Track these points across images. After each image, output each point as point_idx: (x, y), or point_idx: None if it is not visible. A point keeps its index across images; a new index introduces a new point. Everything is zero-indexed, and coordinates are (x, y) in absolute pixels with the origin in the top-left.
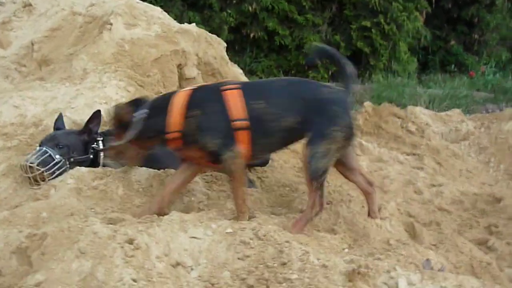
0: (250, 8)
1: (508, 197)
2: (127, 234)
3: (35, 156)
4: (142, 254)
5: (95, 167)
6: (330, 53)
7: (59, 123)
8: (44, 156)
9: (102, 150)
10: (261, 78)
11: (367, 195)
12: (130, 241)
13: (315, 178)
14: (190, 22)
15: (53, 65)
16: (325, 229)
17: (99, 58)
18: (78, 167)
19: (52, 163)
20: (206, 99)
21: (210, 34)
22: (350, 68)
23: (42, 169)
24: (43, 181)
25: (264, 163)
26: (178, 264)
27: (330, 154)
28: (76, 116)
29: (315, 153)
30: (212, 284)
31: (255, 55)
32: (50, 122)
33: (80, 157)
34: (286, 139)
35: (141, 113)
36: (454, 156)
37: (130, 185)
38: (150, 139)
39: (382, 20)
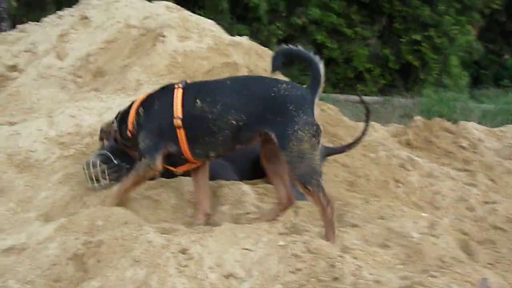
0: (298, 21)
1: None
2: (181, 244)
3: (97, 155)
4: (195, 264)
5: None
6: (297, 53)
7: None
8: (104, 157)
9: None
10: None
11: (279, 206)
12: (184, 251)
13: (307, 182)
14: (238, 35)
15: (107, 76)
16: (377, 244)
17: (152, 70)
18: None
19: (111, 164)
20: (153, 99)
21: (261, 46)
22: (320, 66)
23: (103, 166)
24: (97, 181)
25: None
26: (230, 275)
27: (308, 154)
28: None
29: (291, 159)
30: None
31: (304, 68)
32: None
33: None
34: (234, 139)
35: (114, 123)
36: (508, 173)
37: (183, 195)
38: (127, 144)
39: (433, 34)
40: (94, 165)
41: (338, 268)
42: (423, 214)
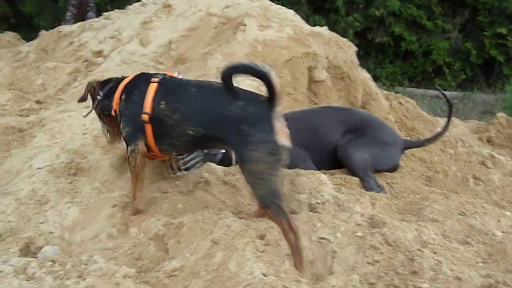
0: (377, 13)
1: None
2: (259, 229)
3: None
4: (272, 250)
5: (226, 163)
6: (247, 69)
7: None
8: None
9: None
10: (384, 84)
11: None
12: (261, 237)
13: (267, 206)
14: (315, 26)
15: (188, 63)
16: (458, 240)
17: (232, 58)
18: (211, 162)
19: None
20: (135, 86)
21: (341, 37)
22: (274, 79)
23: (177, 157)
24: (178, 169)
25: (392, 169)
26: (309, 262)
27: (266, 175)
28: None
29: (249, 180)
30: (341, 287)
31: (380, 61)
32: None
33: (213, 153)
34: (195, 145)
35: (100, 95)
36: None
37: None
38: (108, 117)
39: None
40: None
41: (417, 262)
42: (507, 213)
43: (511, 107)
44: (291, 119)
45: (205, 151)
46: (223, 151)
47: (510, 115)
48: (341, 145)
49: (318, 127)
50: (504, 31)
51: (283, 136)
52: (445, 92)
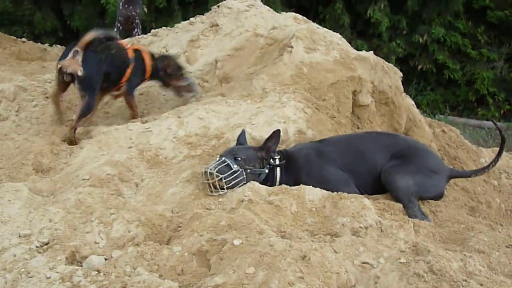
0: (420, 39)
1: None
2: (302, 250)
3: (214, 165)
4: (315, 272)
5: (270, 183)
6: None
7: (241, 139)
8: (222, 165)
9: (278, 165)
10: (425, 111)
11: None
12: (304, 258)
13: None
14: (357, 50)
15: (233, 82)
16: (505, 274)
17: (278, 79)
18: (254, 181)
19: (230, 172)
20: None
21: (387, 63)
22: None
23: (220, 176)
24: (221, 188)
25: (437, 197)
26: (352, 286)
27: None
28: (256, 132)
29: None
30: None
31: (421, 88)
32: (231, 136)
33: (256, 169)
34: None
35: None
36: None
37: (304, 203)
38: None
39: None
40: (211, 175)
41: None
42: None
43: None
44: (337, 143)
45: (248, 170)
46: (267, 170)
47: None
48: (385, 170)
49: (364, 151)
50: None
51: None
52: (488, 122)
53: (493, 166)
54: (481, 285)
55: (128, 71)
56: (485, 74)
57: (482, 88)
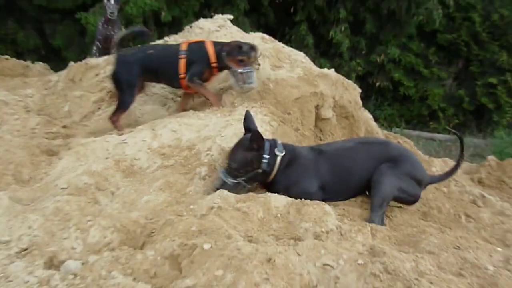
0: (378, 59)
1: None
2: (267, 253)
3: (216, 184)
4: (279, 274)
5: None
6: None
7: (249, 123)
8: (222, 185)
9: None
10: (383, 125)
11: None
12: (269, 260)
13: None
14: (320, 68)
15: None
16: (452, 272)
17: (246, 94)
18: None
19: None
20: None
21: (347, 80)
22: None
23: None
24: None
25: (414, 202)
26: (313, 286)
27: None
28: (225, 144)
29: None
30: None
31: (379, 104)
32: (201, 147)
33: (252, 172)
34: None
35: None
36: None
37: (269, 210)
38: None
39: (509, 78)
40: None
41: None
42: (498, 249)
43: (500, 152)
44: (329, 154)
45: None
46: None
47: (499, 159)
48: (379, 170)
49: (355, 161)
50: (494, 81)
51: None
52: (439, 135)
53: (456, 170)
54: (431, 283)
55: (182, 62)
56: (436, 91)
57: (433, 103)
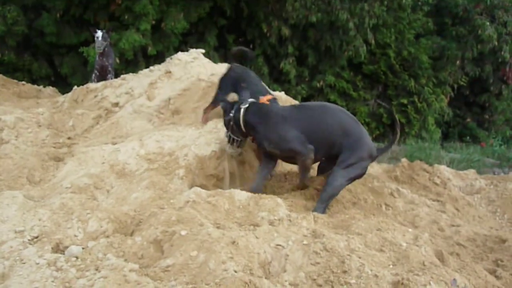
0: (318, 84)
1: (511, 239)
2: (232, 237)
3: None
4: (242, 253)
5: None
6: None
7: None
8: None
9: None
10: None
11: None
12: (233, 242)
13: None
14: (273, 91)
15: (182, 114)
16: (375, 249)
17: (215, 111)
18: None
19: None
20: None
21: (294, 100)
22: None
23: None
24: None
25: (362, 175)
26: (268, 263)
27: None
28: (198, 151)
29: None
30: (291, 281)
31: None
32: (180, 154)
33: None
34: None
35: None
36: (469, 205)
37: (234, 202)
38: None
39: (416, 100)
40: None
41: (347, 264)
42: (409, 230)
43: (410, 155)
44: (305, 110)
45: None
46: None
47: (410, 161)
48: (334, 171)
49: (323, 122)
50: (405, 101)
51: None
52: None
53: (396, 138)
54: (360, 257)
55: None
56: (362, 109)
57: (360, 119)
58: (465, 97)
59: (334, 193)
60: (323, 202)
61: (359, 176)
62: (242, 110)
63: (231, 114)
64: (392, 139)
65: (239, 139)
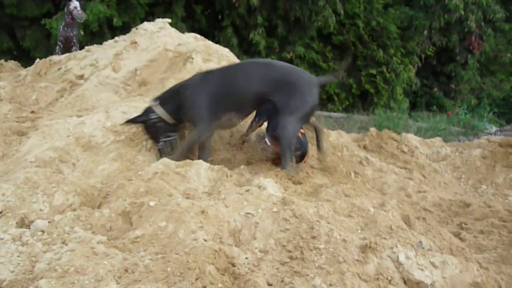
0: (288, 55)
1: (474, 203)
2: (201, 206)
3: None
4: (212, 223)
5: None
6: None
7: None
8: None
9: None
10: None
11: None
12: (203, 212)
13: None
14: None
15: (149, 85)
16: (344, 215)
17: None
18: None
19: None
20: None
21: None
22: None
23: None
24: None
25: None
26: (237, 231)
27: None
28: None
29: None
30: (261, 248)
31: None
32: None
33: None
34: None
35: None
36: (435, 171)
37: (200, 174)
38: None
39: (384, 70)
40: None
41: (316, 230)
42: (378, 196)
43: (379, 125)
44: (217, 74)
45: None
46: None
47: (379, 130)
48: (280, 118)
49: (238, 80)
50: (374, 72)
51: None
52: (334, 114)
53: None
54: (329, 223)
55: None
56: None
57: (330, 89)
58: (432, 66)
59: (291, 142)
60: (285, 155)
61: (310, 111)
62: (158, 108)
63: (152, 117)
64: (340, 71)
65: (173, 137)
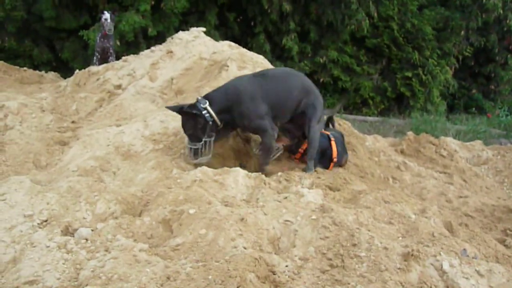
0: (321, 60)
1: None
2: (240, 214)
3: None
4: (251, 230)
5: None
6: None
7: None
8: (195, 153)
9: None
10: None
11: None
12: (242, 219)
13: None
14: None
15: (185, 94)
16: (384, 222)
17: None
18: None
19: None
20: None
21: None
22: None
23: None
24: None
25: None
26: (277, 239)
27: None
28: None
29: None
30: (301, 256)
31: (323, 95)
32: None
33: (206, 129)
34: None
35: None
36: (476, 176)
37: (238, 181)
38: None
39: (420, 72)
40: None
41: (356, 237)
42: (417, 201)
43: (416, 128)
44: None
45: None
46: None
47: (416, 134)
48: (309, 125)
49: (285, 88)
50: (410, 74)
51: None
52: (370, 118)
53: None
54: (369, 230)
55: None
56: (366, 83)
57: (364, 93)
58: (470, 67)
59: (316, 146)
60: (311, 158)
61: (321, 128)
62: (208, 107)
63: (206, 114)
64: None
65: (212, 139)
